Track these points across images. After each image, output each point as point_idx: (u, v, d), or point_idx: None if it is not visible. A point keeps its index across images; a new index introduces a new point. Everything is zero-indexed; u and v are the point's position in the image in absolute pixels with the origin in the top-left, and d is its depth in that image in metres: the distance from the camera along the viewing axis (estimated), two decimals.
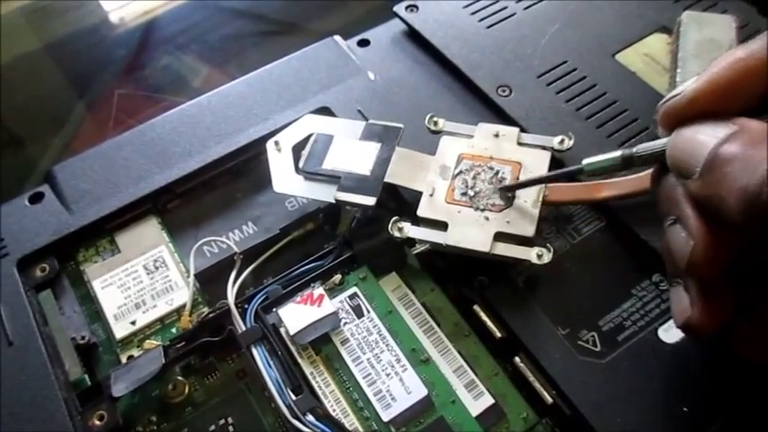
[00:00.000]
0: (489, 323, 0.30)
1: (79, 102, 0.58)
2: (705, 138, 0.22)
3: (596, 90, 0.36)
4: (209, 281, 0.33)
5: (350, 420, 0.28)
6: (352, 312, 0.30)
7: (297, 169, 0.33)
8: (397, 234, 0.30)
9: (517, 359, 0.29)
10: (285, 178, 0.33)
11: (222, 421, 0.29)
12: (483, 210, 0.30)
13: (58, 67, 0.61)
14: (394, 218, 0.30)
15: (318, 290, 0.31)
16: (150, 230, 0.34)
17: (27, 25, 0.64)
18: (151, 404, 0.30)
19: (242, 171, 0.36)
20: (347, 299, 0.31)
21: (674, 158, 0.24)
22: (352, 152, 0.32)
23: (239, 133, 0.36)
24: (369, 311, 0.30)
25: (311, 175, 0.32)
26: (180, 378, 0.30)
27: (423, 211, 0.30)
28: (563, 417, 0.28)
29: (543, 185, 0.30)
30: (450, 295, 0.31)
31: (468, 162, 0.31)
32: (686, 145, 0.23)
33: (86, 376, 0.30)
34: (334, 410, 0.28)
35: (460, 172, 0.31)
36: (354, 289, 0.31)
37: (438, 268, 0.32)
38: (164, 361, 0.29)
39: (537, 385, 0.28)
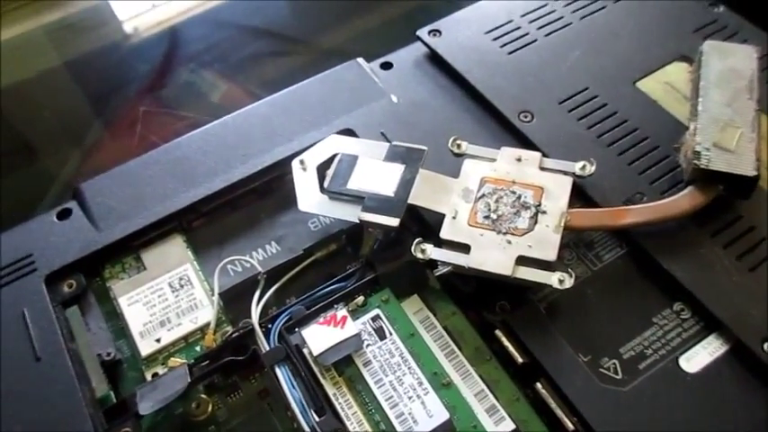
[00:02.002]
0: (511, 348, 0.30)
1: (98, 118, 0.59)
2: None
3: (617, 117, 0.36)
4: (233, 299, 0.33)
5: None
6: (374, 334, 0.31)
7: (322, 189, 0.33)
8: (419, 255, 0.30)
9: (538, 385, 0.29)
10: (310, 197, 0.33)
11: None
12: (505, 233, 0.30)
13: (78, 84, 0.62)
14: (417, 239, 0.31)
15: (342, 311, 0.31)
16: (175, 249, 0.35)
17: (49, 43, 0.65)
18: (175, 422, 0.30)
19: (266, 191, 0.37)
20: (370, 321, 0.31)
21: None
22: (376, 173, 0.33)
23: (263, 154, 0.37)
24: (391, 333, 0.31)
25: (336, 194, 0.33)
26: (203, 396, 0.30)
27: (445, 233, 0.31)
28: None
29: (564, 210, 0.31)
30: (471, 319, 0.32)
31: (490, 186, 0.32)
32: None
33: (112, 393, 0.30)
34: None
35: (483, 195, 0.32)
36: (377, 311, 0.32)
37: (460, 292, 0.32)
38: (189, 380, 0.29)
39: (558, 412, 0.28)
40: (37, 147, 0.58)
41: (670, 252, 0.31)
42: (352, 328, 0.30)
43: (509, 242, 0.30)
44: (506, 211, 0.31)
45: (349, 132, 0.37)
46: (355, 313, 0.32)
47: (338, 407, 0.29)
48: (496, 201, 0.31)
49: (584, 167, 0.32)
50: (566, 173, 0.32)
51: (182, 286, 0.33)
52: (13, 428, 0.28)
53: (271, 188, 0.37)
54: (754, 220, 0.33)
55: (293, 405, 0.28)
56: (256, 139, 0.38)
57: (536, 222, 0.31)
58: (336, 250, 0.35)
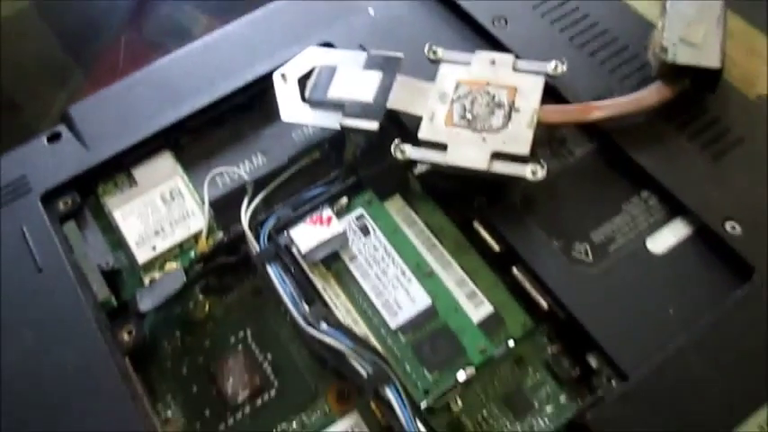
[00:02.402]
0: (488, 238, 0.32)
1: (79, 57, 0.60)
2: None
3: (589, 20, 0.37)
4: (223, 208, 0.34)
5: (360, 328, 0.30)
6: (359, 231, 0.32)
7: (303, 99, 0.34)
8: (399, 156, 0.32)
9: (515, 270, 0.31)
10: (292, 108, 0.34)
11: (242, 334, 0.31)
12: (481, 131, 0.32)
13: (52, 27, 0.62)
14: (396, 141, 0.32)
15: (327, 212, 0.32)
16: (165, 164, 0.36)
17: None
18: (174, 321, 0.32)
19: (249, 106, 0.38)
20: (354, 219, 0.33)
21: None
22: (355, 81, 0.34)
23: (245, 70, 0.38)
24: (375, 230, 0.32)
25: (317, 103, 0.34)
26: (200, 297, 0.32)
27: (423, 133, 0.32)
28: (558, 322, 0.30)
29: (536, 107, 0.32)
30: (451, 215, 0.33)
31: (465, 88, 0.33)
32: None
33: (113, 298, 0.32)
34: (344, 319, 0.30)
35: (459, 97, 0.33)
36: (360, 210, 0.33)
37: (439, 190, 0.34)
38: (185, 279, 0.31)
39: (534, 293, 0.30)
40: (16, 91, 0.58)
41: (638, 144, 0.33)
42: (337, 226, 0.32)
43: (484, 139, 0.31)
44: (481, 110, 0.32)
45: (328, 46, 0.38)
46: (340, 214, 0.33)
47: (327, 298, 0.31)
48: (471, 101, 0.33)
49: (555, 67, 0.33)
50: (538, 73, 0.33)
51: (173, 198, 0.35)
52: (21, 333, 0.30)
53: (254, 103, 0.38)
54: (718, 112, 0.34)
55: (285, 298, 0.30)
56: (238, 56, 0.39)
57: (510, 120, 0.32)
58: (320, 158, 0.36)
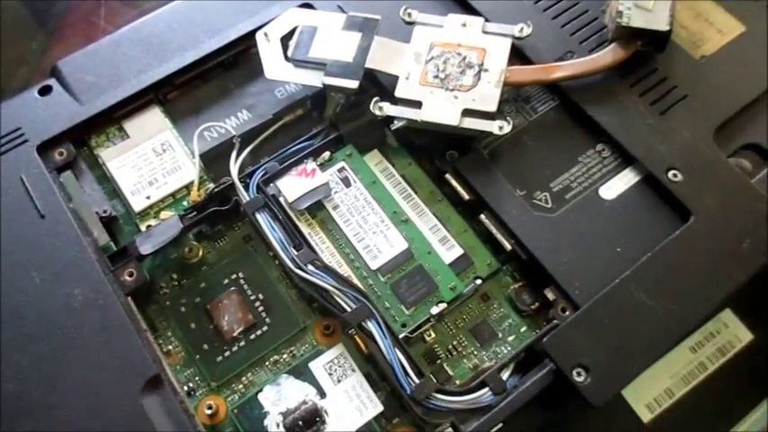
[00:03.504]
0: (459, 188, 0.35)
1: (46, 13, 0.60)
2: None
3: None
4: (212, 161, 0.37)
5: (344, 269, 0.33)
6: (340, 183, 0.35)
7: (286, 58, 0.36)
8: (377, 112, 0.34)
9: (482, 216, 0.34)
10: (276, 66, 0.36)
11: (234, 276, 0.34)
12: (452, 90, 0.34)
13: None
14: (375, 99, 0.35)
15: (311, 164, 0.35)
16: (154, 118, 0.38)
17: None
18: (171, 265, 0.34)
19: (233, 63, 0.40)
20: (336, 172, 0.36)
21: None
22: (335, 42, 0.36)
23: (229, 28, 0.39)
24: (355, 182, 0.35)
25: (299, 62, 0.36)
26: (194, 242, 0.35)
27: (400, 92, 0.35)
28: (520, 262, 0.34)
29: (504, 68, 0.35)
30: (425, 168, 0.36)
31: (439, 49, 0.36)
32: None
33: (112, 243, 0.35)
34: (330, 262, 0.33)
35: (432, 58, 0.35)
36: (342, 164, 0.36)
37: (414, 145, 0.37)
38: (182, 225, 0.33)
39: (499, 236, 0.34)
40: None
41: (594, 101, 0.36)
42: (321, 177, 0.35)
43: (456, 97, 0.34)
44: (453, 70, 0.35)
45: (308, 6, 0.40)
46: (323, 167, 0.36)
47: (313, 243, 0.34)
48: (444, 62, 0.35)
49: (521, 30, 0.36)
50: (505, 35, 0.36)
51: (164, 151, 0.37)
52: (29, 275, 0.32)
53: (238, 61, 0.40)
54: (666, 71, 0.37)
55: (275, 244, 0.33)
56: (222, 14, 0.40)
57: (479, 80, 0.35)
58: (302, 115, 0.38)
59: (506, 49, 0.36)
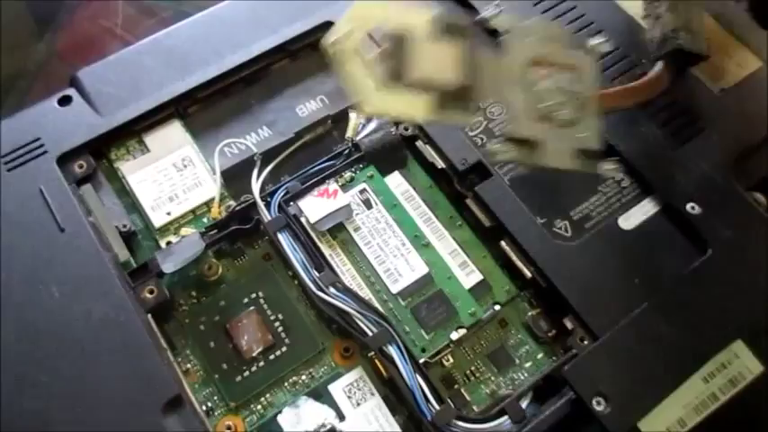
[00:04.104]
0: (479, 214, 0.35)
1: (54, 20, 0.59)
2: None
3: (576, 12, 0.40)
4: (232, 178, 0.37)
5: (364, 292, 0.33)
6: (362, 205, 0.35)
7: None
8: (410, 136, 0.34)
9: (503, 243, 0.34)
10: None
11: (254, 295, 0.34)
12: (560, 126, 0.30)
13: None
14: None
15: (333, 185, 0.35)
16: (175, 132, 0.38)
17: None
18: (190, 282, 0.34)
19: (254, 79, 0.40)
20: (357, 193, 0.36)
21: None
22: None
23: (251, 43, 0.39)
24: (377, 204, 0.35)
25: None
26: (213, 260, 0.35)
27: (510, 129, 0.30)
28: (538, 288, 0.34)
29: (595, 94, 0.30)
30: (444, 191, 0.37)
31: (538, 69, 0.30)
32: None
33: (131, 258, 0.34)
34: (350, 284, 0.33)
35: (535, 81, 0.30)
36: (363, 185, 0.36)
37: (435, 168, 0.37)
38: (204, 243, 0.33)
39: (519, 264, 0.34)
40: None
41: (615, 130, 0.36)
42: (343, 199, 0.35)
43: (563, 134, 0.30)
44: (554, 99, 0.30)
45: (330, 25, 0.40)
46: (344, 187, 0.36)
47: (334, 265, 0.34)
48: (546, 88, 0.30)
49: (600, 44, 0.31)
50: (586, 50, 0.31)
51: (185, 166, 0.37)
52: (48, 289, 0.32)
53: (258, 77, 0.40)
54: (686, 103, 0.38)
55: (296, 265, 0.33)
56: (243, 30, 0.40)
57: (577, 110, 0.30)
58: (323, 133, 0.38)
59: (594, 68, 0.31)
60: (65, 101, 0.38)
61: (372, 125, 0.37)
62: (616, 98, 0.34)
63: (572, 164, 0.30)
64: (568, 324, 0.33)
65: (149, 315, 0.32)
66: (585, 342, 0.32)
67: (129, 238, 0.35)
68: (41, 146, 0.36)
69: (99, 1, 0.60)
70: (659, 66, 0.36)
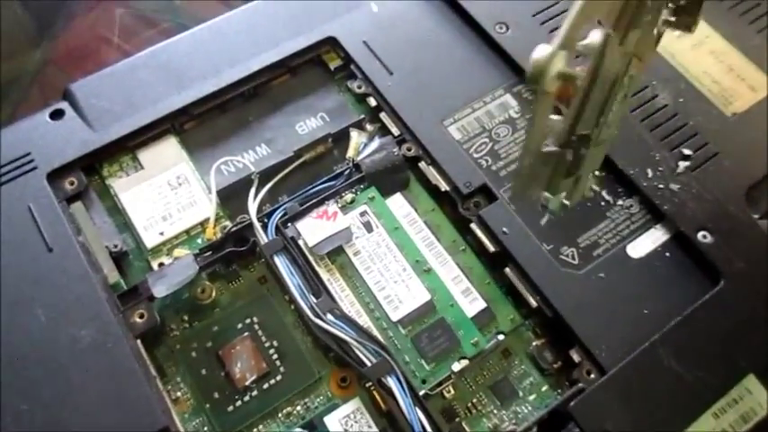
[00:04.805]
0: (484, 239, 0.34)
1: (51, 22, 0.58)
2: None
3: (586, 30, 0.39)
4: (229, 197, 0.36)
5: (363, 320, 0.32)
6: (362, 227, 0.34)
7: None
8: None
9: (507, 270, 0.33)
10: None
11: (248, 320, 0.33)
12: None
13: None
14: None
15: (333, 207, 0.34)
16: (170, 149, 0.37)
17: None
18: (182, 306, 0.33)
19: (252, 95, 0.39)
20: (358, 215, 0.34)
21: None
22: None
23: (250, 59, 0.38)
24: (377, 227, 0.34)
25: None
26: (207, 283, 0.33)
27: None
28: (544, 318, 0.33)
29: None
30: (448, 214, 0.35)
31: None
32: None
33: (122, 280, 0.33)
34: (349, 311, 0.32)
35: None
36: (364, 207, 0.35)
37: (439, 190, 0.35)
38: (197, 267, 0.32)
39: (524, 292, 0.33)
40: None
41: (624, 154, 0.35)
42: (342, 221, 0.34)
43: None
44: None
45: (332, 40, 0.39)
46: (344, 209, 0.35)
47: (332, 290, 0.32)
48: None
49: None
50: None
51: (180, 184, 0.36)
52: (34, 311, 0.31)
53: (257, 92, 0.39)
54: (697, 127, 0.37)
55: (293, 290, 0.32)
56: (242, 44, 0.39)
57: None
58: (324, 152, 0.37)
59: None
60: (57, 115, 0.37)
61: (374, 145, 0.36)
62: None
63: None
64: (575, 356, 0.31)
65: (138, 340, 0.31)
66: (592, 375, 0.31)
67: (119, 258, 0.34)
68: (31, 161, 0.35)
69: (98, 10, 0.59)
70: None
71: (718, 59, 0.39)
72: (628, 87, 0.27)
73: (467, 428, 0.31)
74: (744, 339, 0.32)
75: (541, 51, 0.21)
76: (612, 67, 0.25)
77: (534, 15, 0.39)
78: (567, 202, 0.28)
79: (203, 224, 0.35)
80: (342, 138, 0.37)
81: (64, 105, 0.37)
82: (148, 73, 0.38)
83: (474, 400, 0.32)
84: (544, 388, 0.32)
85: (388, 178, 0.35)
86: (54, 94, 0.38)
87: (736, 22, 0.41)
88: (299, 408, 0.31)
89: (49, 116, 0.37)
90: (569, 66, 0.22)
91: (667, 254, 0.34)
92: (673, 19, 0.29)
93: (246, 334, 0.32)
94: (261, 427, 0.31)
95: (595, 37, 0.24)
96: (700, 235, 0.34)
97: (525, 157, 0.26)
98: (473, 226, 0.34)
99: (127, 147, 0.36)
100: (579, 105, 0.24)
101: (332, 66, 0.39)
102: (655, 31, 0.27)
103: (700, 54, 0.39)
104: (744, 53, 0.39)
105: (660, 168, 0.35)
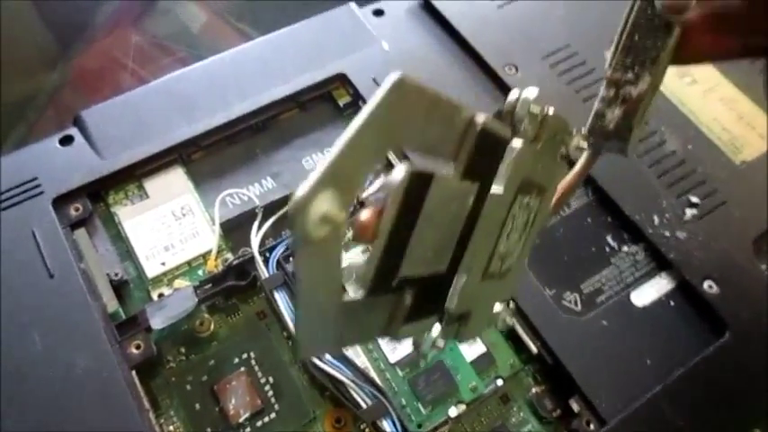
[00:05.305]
0: None
1: (70, 45, 0.59)
2: None
3: (596, 74, 0.39)
4: (232, 229, 0.35)
5: (361, 360, 0.32)
6: None
7: None
8: None
9: None
10: None
11: (245, 355, 0.32)
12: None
13: (40, 15, 0.61)
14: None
15: None
16: (176, 179, 0.37)
17: None
18: (179, 337, 0.33)
19: (261, 128, 0.39)
20: (360, 252, 0.34)
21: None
22: None
23: (260, 92, 0.39)
24: None
25: None
26: (206, 315, 0.33)
27: None
28: (544, 365, 0.32)
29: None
30: None
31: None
32: None
33: (121, 309, 0.33)
34: (347, 350, 0.32)
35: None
36: (366, 244, 0.35)
37: None
38: (196, 299, 0.32)
39: (525, 337, 0.32)
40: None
41: (630, 200, 0.35)
42: (344, 258, 0.33)
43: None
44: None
45: (342, 77, 0.39)
46: (346, 246, 0.34)
47: None
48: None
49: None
50: None
51: (184, 215, 0.36)
52: (31, 337, 0.31)
53: (266, 126, 0.39)
54: (705, 174, 0.36)
55: (292, 326, 0.32)
56: (253, 77, 0.39)
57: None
58: None
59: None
60: (66, 141, 0.37)
61: (380, 182, 0.36)
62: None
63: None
64: (574, 406, 0.31)
65: (134, 371, 0.31)
66: (592, 426, 0.30)
67: (120, 287, 0.34)
68: (38, 186, 0.35)
69: (116, 35, 0.60)
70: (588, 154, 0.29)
71: (728, 107, 0.39)
72: (529, 218, 0.24)
73: None
74: (749, 394, 0.31)
75: (301, 189, 0.15)
76: (450, 205, 0.20)
77: (544, 58, 0.40)
78: (440, 345, 0.22)
79: (205, 256, 0.35)
80: None
81: (73, 131, 0.37)
82: (159, 102, 0.39)
83: None
84: None
85: None
86: (69, 116, 0.39)
87: (747, 69, 0.41)
88: None
89: (58, 142, 0.37)
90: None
91: (672, 303, 0.33)
92: (584, 144, 0.27)
93: (243, 369, 0.32)
94: None
95: (395, 176, 0.18)
96: (706, 285, 0.33)
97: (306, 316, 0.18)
98: None
99: (134, 175, 0.37)
100: (387, 247, 0.19)
101: (341, 102, 0.39)
102: (559, 158, 0.25)
103: (709, 101, 0.39)
104: (754, 101, 0.39)
105: (667, 215, 0.35)
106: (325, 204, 0.16)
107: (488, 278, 0.23)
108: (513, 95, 0.22)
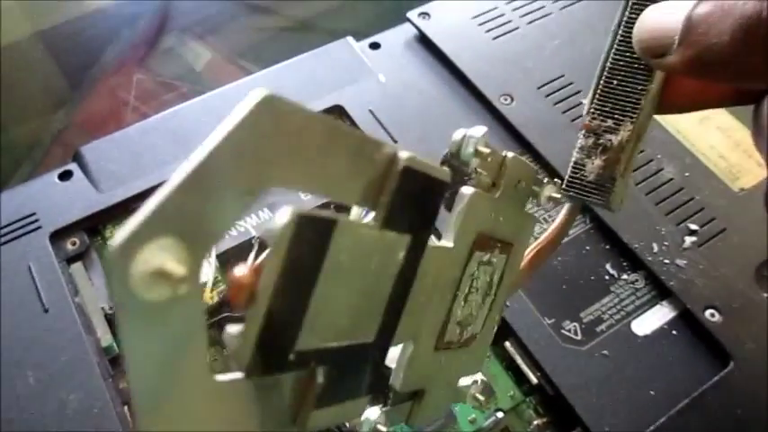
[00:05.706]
0: None
1: (78, 86, 0.60)
2: (673, 11, 0.21)
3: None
4: (228, 261, 0.35)
5: None
6: None
7: None
8: None
9: (507, 344, 0.32)
10: None
11: None
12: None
13: (52, 55, 0.62)
14: None
15: None
16: None
17: (21, 13, 0.65)
18: None
19: None
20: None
21: (644, 40, 0.22)
22: None
23: None
24: None
25: None
26: None
27: None
28: (545, 396, 0.31)
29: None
30: None
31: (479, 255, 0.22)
32: (655, 22, 0.22)
33: (114, 343, 0.33)
34: None
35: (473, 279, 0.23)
36: None
37: None
38: None
39: (524, 367, 0.32)
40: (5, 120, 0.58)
41: (629, 228, 0.35)
42: None
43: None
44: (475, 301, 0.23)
45: (339, 109, 0.40)
46: None
47: None
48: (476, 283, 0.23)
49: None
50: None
51: None
52: (24, 373, 0.31)
53: None
54: (704, 202, 0.36)
55: None
56: None
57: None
58: None
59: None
60: (65, 176, 0.37)
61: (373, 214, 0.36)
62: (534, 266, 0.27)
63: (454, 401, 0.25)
64: None
65: (126, 407, 0.30)
66: None
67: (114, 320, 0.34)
68: (36, 221, 0.35)
69: (121, 74, 0.61)
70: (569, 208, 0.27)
71: (725, 135, 0.39)
72: (493, 278, 0.22)
73: None
74: (754, 424, 0.30)
75: (119, 235, 0.12)
76: (368, 260, 0.17)
77: (539, 88, 0.40)
78: (383, 429, 0.19)
79: (201, 288, 0.34)
80: (344, 206, 0.37)
81: (73, 167, 0.38)
82: (158, 137, 0.39)
83: None
84: None
85: None
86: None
87: None
88: None
89: (57, 177, 0.37)
90: None
91: (674, 332, 0.33)
92: (557, 195, 0.25)
93: None
94: None
95: (277, 221, 0.15)
96: (707, 313, 0.33)
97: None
98: None
99: (131, 209, 0.37)
100: (275, 313, 0.16)
101: None
102: (529, 206, 0.24)
103: (706, 129, 0.39)
104: (750, 128, 0.39)
105: (666, 243, 0.35)
106: (160, 256, 0.12)
107: (445, 348, 0.21)
108: (457, 134, 0.20)
